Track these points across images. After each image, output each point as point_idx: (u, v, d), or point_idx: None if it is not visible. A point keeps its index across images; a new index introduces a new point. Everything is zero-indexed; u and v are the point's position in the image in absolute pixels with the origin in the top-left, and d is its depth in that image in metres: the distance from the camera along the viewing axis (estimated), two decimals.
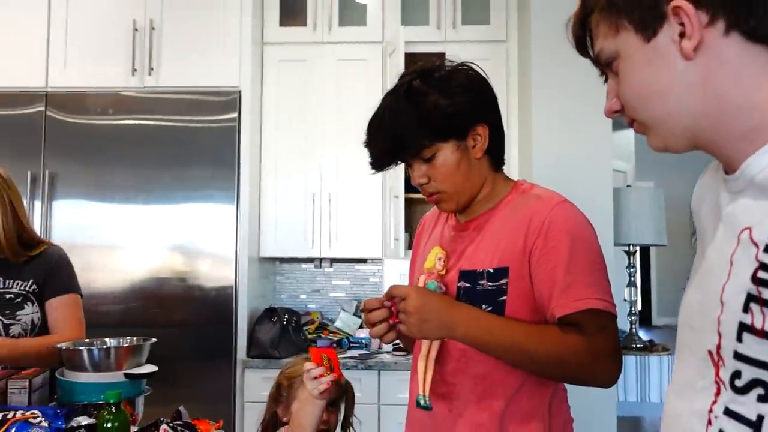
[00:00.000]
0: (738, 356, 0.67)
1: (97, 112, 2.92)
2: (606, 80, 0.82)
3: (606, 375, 1.18)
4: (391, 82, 3.07)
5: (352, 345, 3.14)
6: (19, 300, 1.80)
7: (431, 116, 1.23)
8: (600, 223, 1.37)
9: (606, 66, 0.79)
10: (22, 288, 1.81)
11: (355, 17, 3.23)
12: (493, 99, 1.32)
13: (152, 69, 2.92)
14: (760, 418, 0.64)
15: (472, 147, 1.27)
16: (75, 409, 1.40)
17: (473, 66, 1.31)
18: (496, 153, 1.32)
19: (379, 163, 1.30)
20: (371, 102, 3.18)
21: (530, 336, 1.17)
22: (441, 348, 1.27)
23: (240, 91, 2.92)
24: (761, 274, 0.65)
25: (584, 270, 1.19)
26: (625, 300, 2.94)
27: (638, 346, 2.90)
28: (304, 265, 3.46)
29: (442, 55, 3.12)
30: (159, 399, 1.66)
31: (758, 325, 0.64)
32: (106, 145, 2.90)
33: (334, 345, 3.09)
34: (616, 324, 1.20)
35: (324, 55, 3.18)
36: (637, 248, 3.04)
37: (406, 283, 1.45)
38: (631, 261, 3.03)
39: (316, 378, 1.36)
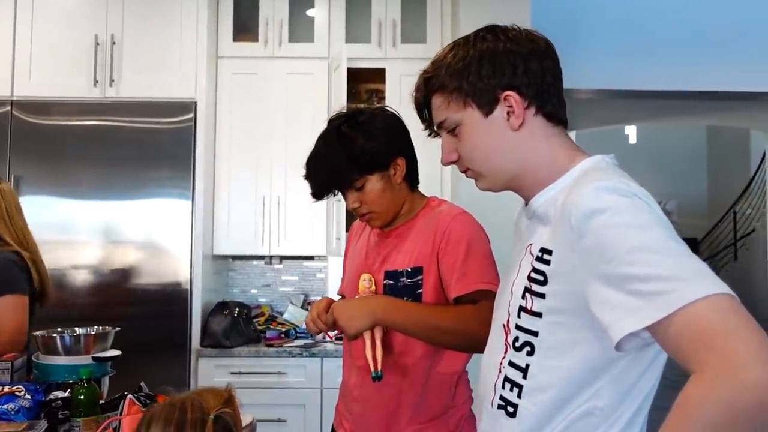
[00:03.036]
0: (518, 327, 1.01)
1: (61, 113, 3.13)
2: (432, 135, 1.15)
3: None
4: (336, 95, 3.37)
5: (298, 335, 3.43)
6: None
7: (360, 156, 1.54)
8: None
9: (448, 131, 1.08)
10: None
11: (304, 34, 3.51)
12: (407, 135, 1.66)
13: (113, 81, 3.16)
14: (527, 365, 0.98)
15: (393, 175, 1.59)
16: (51, 385, 1.67)
17: (389, 109, 1.67)
18: (412, 177, 1.65)
19: (319, 194, 1.60)
20: (318, 112, 3.51)
21: (435, 312, 1.48)
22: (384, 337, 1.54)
23: (196, 102, 3.18)
24: (532, 275, 0.98)
25: (477, 263, 1.51)
26: None
27: None
28: (255, 262, 3.73)
29: (382, 71, 3.43)
30: (121, 386, 1.88)
31: (529, 306, 0.98)
32: (69, 147, 3.12)
33: (282, 334, 3.37)
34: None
35: (274, 69, 3.45)
36: None
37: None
38: None
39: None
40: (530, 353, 0.97)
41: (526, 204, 1.07)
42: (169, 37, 3.21)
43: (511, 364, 1.01)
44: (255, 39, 3.47)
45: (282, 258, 3.72)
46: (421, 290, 1.55)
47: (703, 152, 10.71)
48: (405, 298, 1.54)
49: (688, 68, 4.96)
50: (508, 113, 1.02)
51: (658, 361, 0.95)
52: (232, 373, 3.08)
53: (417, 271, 1.55)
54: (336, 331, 1.61)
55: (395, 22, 3.46)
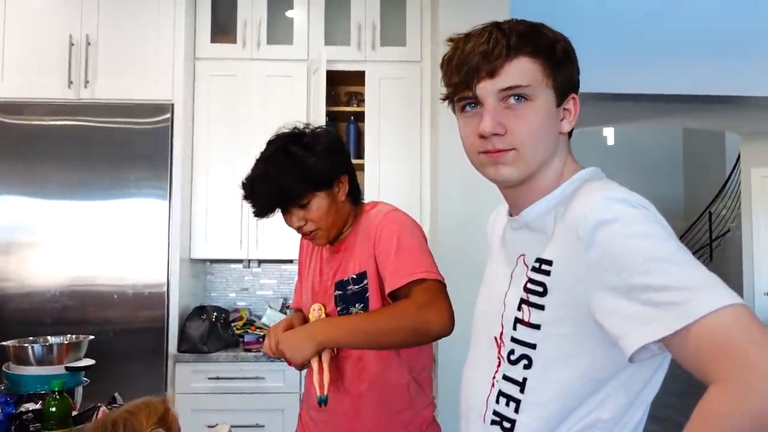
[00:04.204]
0: (513, 339, 0.97)
1: (35, 113, 3.07)
2: (454, 100, 0.99)
3: (437, 322, 1.44)
4: (315, 97, 3.35)
5: None
6: None
7: (309, 174, 1.57)
8: None
9: (508, 100, 0.94)
10: None
11: (283, 36, 3.49)
12: (347, 154, 1.73)
13: (88, 82, 3.11)
14: (525, 379, 0.95)
15: (338, 192, 1.64)
16: (22, 397, 1.63)
17: (328, 129, 1.75)
18: (354, 193, 1.70)
19: (263, 213, 1.62)
20: (297, 115, 3.48)
21: (371, 317, 1.51)
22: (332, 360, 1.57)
23: (173, 104, 3.14)
24: (529, 285, 0.96)
25: (407, 256, 1.54)
26: None
27: None
28: (233, 266, 3.70)
29: (362, 74, 3.42)
30: (96, 392, 1.88)
31: (526, 318, 0.95)
32: (43, 146, 3.07)
33: (261, 339, 3.34)
34: (440, 286, 1.50)
35: (253, 70, 3.41)
36: None
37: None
38: None
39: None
40: (527, 366, 0.94)
41: (511, 214, 1.06)
42: (146, 38, 3.17)
43: (506, 377, 0.98)
44: (233, 40, 3.43)
45: (260, 261, 3.69)
46: (368, 294, 1.59)
47: (680, 154, 10.84)
48: (356, 304, 1.59)
49: (665, 72, 5.01)
50: (564, 115, 1.00)
51: (659, 373, 0.94)
52: (209, 378, 3.05)
53: (362, 276, 1.60)
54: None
55: (375, 24, 3.44)
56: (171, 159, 3.13)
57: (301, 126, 1.68)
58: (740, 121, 7.11)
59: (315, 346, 1.47)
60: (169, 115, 3.12)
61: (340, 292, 1.63)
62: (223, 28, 3.51)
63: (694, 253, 6.26)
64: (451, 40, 1.00)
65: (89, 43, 3.12)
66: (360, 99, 3.56)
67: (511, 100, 0.95)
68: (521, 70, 0.94)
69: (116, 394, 1.65)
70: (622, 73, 4.97)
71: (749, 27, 5.14)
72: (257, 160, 1.64)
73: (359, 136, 3.52)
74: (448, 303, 1.50)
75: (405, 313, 1.45)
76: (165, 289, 3.08)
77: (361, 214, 1.70)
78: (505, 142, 0.95)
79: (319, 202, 1.60)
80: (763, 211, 7.49)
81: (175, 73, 3.16)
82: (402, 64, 3.44)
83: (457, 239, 3.06)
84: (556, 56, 0.97)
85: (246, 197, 1.62)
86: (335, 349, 1.57)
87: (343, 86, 3.64)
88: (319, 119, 3.20)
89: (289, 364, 1.50)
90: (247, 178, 1.63)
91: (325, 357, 1.51)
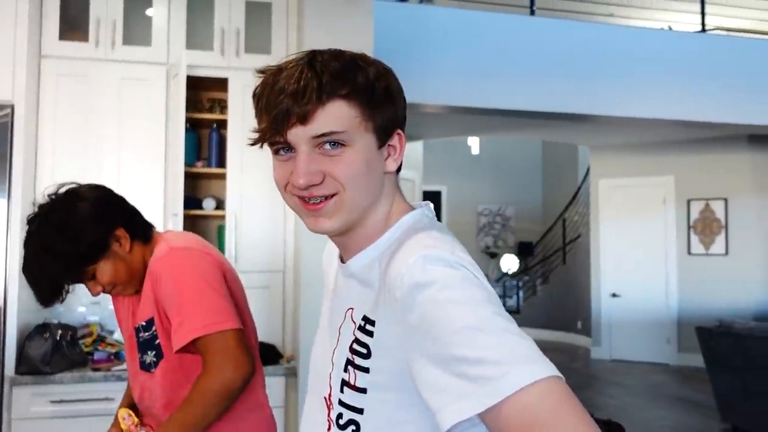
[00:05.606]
0: (341, 403, 0.90)
1: None
2: (267, 142, 0.88)
3: (239, 379, 1.45)
4: (174, 103, 3.22)
5: None
6: None
7: (73, 261, 1.47)
8: None
9: (317, 143, 0.86)
10: None
11: (140, 37, 3.31)
12: (118, 202, 1.60)
13: None
14: None
15: (119, 248, 1.54)
16: None
17: (91, 186, 1.60)
18: (141, 232, 1.60)
19: (51, 301, 1.52)
20: (154, 122, 3.32)
21: (185, 416, 1.45)
22: None
23: (13, 105, 2.89)
24: (354, 346, 0.89)
25: (189, 308, 1.47)
26: None
27: None
28: None
29: (225, 81, 3.32)
30: None
31: (352, 381, 0.88)
32: None
33: (112, 356, 3.16)
34: (228, 337, 1.47)
35: (107, 72, 3.21)
36: None
37: None
38: None
39: None
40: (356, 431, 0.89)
41: (342, 260, 0.99)
42: None
43: None
44: (85, 38, 3.21)
45: None
46: (158, 341, 1.54)
47: (539, 163, 11.51)
48: (148, 352, 1.55)
49: (527, 90, 5.31)
50: (389, 152, 0.93)
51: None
52: (52, 401, 2.83)
53: (150, 323, 1.55)
54: None
55: (239, 30, 3.36)
56: (10, 161, 2.88)
57: (62, 191, 1.54)
58: (590, 136, 7.67)
59: None
60: (8, 113, 2.86)
61: (137, 339, 1.57)
62: (74, 24, 3.27)
63: (550, 256, 6.65)
64: (261, 72, 0.90)
65: None
66: (223, 106, 3.46)
67: (327, 147, 0.87)
68: (335, 116, 0.85)
69: None
70: (488, 90, 5.20)
71: (601, 52, 5.56)
72: (24, 245, 1.52)
73: (222, 143, 3.42)
74: (243, 350, 1.47)
75: (211, 391, 1.44)
76: (1, 303, 2.83)
77: (152, 253, 1.59)
78: (324, 188, 0.88)
79: (102, 269, 1.51)
80: (609, 219, 8.12)
81: (16, 71, 2.92)
82: None
83: (322, 249, 3.05)
84: (376, 97, 0.88)
85: (30, 286, 1.51)
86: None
87: (206, 92, 3.52)
88: (179, 126, 3.07)
89: None
90: (23, 268, 1.51)
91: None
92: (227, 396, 1.45)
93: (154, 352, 1.53)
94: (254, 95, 0.90)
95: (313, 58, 0.87)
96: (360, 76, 0.87)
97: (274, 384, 2.96)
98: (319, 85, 0.84)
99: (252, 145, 0.90)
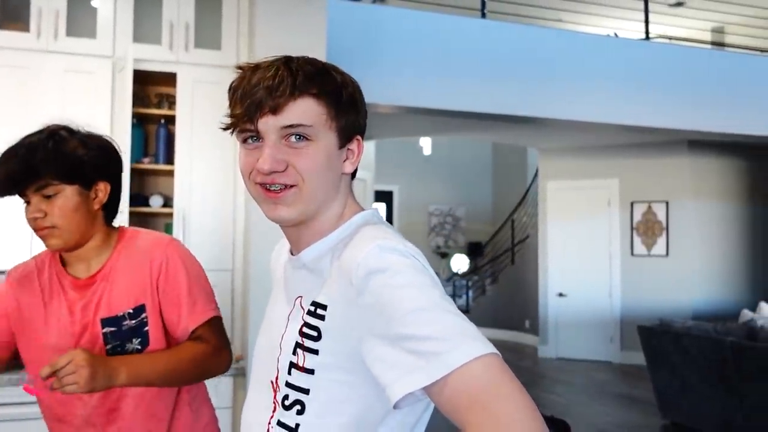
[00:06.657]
0: (288, 384, 0.96)
1: None
2: (231, 128, 0.96)
3: (224, 364, 1.54)
4: (120, 97, 3.14)
5: None
6: None
7: (66, 158, 1.41)
8: None
9: (285, 134, 0.93)
10: None
11: (85, 29, 3.21)
12: (119, 165, 1.56)
13: None
14: (297, 425, 0.95)
15: (93, 198, 1.47)
16: None
17: (111, 138, 1.57)
18: (111, 210, 1.54)
19: (1, 187, 1.41)
20: (99, 116, 3.23)
21: (171, 359, 1.46)
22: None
23: None
24: (304, 329, 0.95)
25: (200, 289, 1.54)
26: None
27: None
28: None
29: (173, 76, 3.26)
30: None
31: (301, 363, 0.95)
32: None
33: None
34: (220, 320, 1.58)
35: (49, 64, 3.11)
36: None
37: None
38: None
39: None
40: (300, 412, 0.94)
41: (292, 253, 1.05)
42: None
43: (280, 423, 0.96)
44: (26, 28, 3.11)
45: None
46: (147, 328, 1.50)
47: (489, 165, 11.68)
48: (133, 339, 1.49)
49: (476, 92, 5.37)
50: (347, 155, 1.00)
51: (427, 412, 0.97)
52: None
53: (140, 309, 1.49)
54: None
55: (188, 25, 3.30)
56: None
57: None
58: (538, 139, 7.82)
59: (109, 384, 1.32)
60: None
61: (113, 329, 1.47)
62: (14, 13, 3.16)
63: (499, 256, 6.77)
64: (240, 68, 0.97)
65: None
66: (171, 101, 3.39)
67: (292, 139, 0.94)
68: (305, 110, 0.93)
69: None
70: (439, 90, 5.24)
71: (549, 56, 5.68)
72: (26, 136, 1.46)
73: (170, 140, 3.35)
74: (229, 343, 1.58)
75: (207, 361, 1.49)
76: None
77: (119, 241, 1.54)
78: (285, 177, 0.94)
79: (66, 198, 1.41)
80: (555, 221, 8.30)
81: None
82: (217, 68, 3.33)
83: (272, 248, 3.02)
84: (342, 101, 0.97)
85: None
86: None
87: (154, 87, 3.45)
88: (125, 121, 3.00)
89: (65, 388, 1.25)
90: (5, 150, 1.42)
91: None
92: (209, 371, 1.51)
93: (139, 339, 1.48)
94: (230, 88, 0.97)
95: (289, 60, 0.96)
96: (330, 81, 0.96)
97: (222, 384, 2.92)
98: (293, 82, 0.93)
99: (224, 129, 0.97)
